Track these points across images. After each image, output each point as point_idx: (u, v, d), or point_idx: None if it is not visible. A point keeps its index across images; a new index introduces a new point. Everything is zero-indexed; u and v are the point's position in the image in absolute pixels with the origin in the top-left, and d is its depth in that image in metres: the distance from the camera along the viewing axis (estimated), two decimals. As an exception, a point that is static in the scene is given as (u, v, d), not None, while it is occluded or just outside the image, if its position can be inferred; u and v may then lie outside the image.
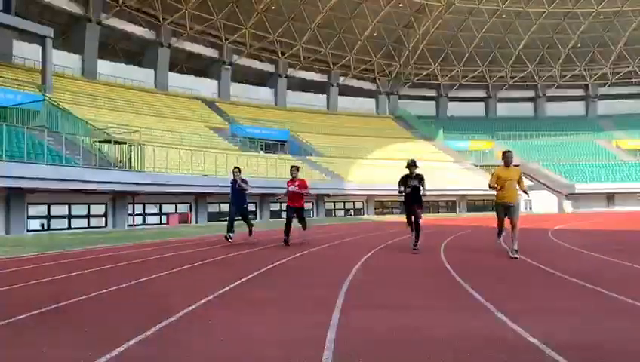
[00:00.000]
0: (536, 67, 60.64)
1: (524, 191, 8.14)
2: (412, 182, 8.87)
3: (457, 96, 61.94)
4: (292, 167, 10.90)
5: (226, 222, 11.15)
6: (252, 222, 11.88)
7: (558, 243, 10.73)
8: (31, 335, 3.35)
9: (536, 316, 3.74)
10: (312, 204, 35.33)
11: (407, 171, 9.04)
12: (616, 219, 24.57)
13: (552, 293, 4.69)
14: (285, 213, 10.64)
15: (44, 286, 5.46)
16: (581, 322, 3.56)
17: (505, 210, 7.94)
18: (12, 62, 32.82)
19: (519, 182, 7.94)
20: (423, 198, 8.95)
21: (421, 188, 8.85)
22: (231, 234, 10.79)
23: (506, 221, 7.98)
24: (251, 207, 30.79)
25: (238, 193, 10.90)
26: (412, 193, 8.88)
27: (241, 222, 11.44)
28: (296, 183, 10.35)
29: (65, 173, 18.95)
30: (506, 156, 8.08)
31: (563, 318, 3.68)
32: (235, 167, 11.29)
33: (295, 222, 10.65)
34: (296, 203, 10.44)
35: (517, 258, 7.42)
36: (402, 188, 8.96)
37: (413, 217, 9.00)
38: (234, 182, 10.98)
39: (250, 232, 11.42)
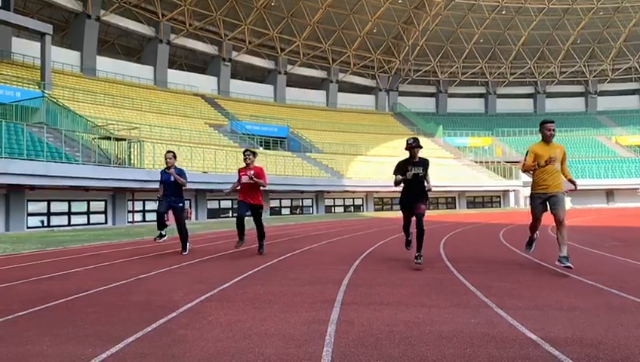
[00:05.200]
0: (536, 63, 60.59)
1: (571, 181, 6.06)
2: (415, 169, 6.30)
3: (457, 93, 61.94)
4: (246, 150, 7.96)
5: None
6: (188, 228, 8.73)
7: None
8: (32, 332, 3.35)
9: (536, 312, 3.75)
10: (312, 200, 35.37)
11: (406, 155, 6.51)
12: (615, 215, 24.59)
13: (552, 290, 4.70)
14: (237, 210, 7.89)
15: (44, 283, 5.47)
16: (581, 318, 3.57)
17: (544, 202, 5.84)
18: (11, 58, 32.78)
19: (563, 165, 5.90)
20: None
21: (426, 179, 6.49)
22: (162, 233, 8.27)
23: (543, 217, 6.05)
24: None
25: (172, 186, 8.16)
26: (414, 185, 6.35)
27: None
28: (251, 173, 7.70)
29: (64, 170, 18.97)
30: (547, 128, 5.78)
31: (563, 315, 3.68)
32: (169, 151, 8.35)
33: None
34: (251, 198, 7.83)
35: (571, 267, 5.48)
36: (400, 178, 6.39)
37: (415, 218, 6.44)
38: (167, 171, 8.20)
39: (185, 248, 8.45)
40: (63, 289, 4.96)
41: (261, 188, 7.94)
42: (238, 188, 7.93)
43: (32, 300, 4.42)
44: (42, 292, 4.89)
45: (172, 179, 8.10)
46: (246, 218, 7.83)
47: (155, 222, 8.32)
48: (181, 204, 8.32)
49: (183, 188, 8.28)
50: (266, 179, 7.99)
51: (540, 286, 4.87)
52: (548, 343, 2.95)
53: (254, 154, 7.95)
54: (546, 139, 5.84)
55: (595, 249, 8.42)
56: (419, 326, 3.39)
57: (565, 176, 5.96)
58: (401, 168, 6.42)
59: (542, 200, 5.84)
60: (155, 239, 8.29)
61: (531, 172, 5.89)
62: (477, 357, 2.73)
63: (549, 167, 5.70)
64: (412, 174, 6.22)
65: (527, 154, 5.97)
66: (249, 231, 7.95)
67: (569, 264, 5.44)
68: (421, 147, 6.36)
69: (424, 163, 6.41)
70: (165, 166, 8.26)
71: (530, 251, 6.55)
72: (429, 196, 6.67)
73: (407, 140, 6.43)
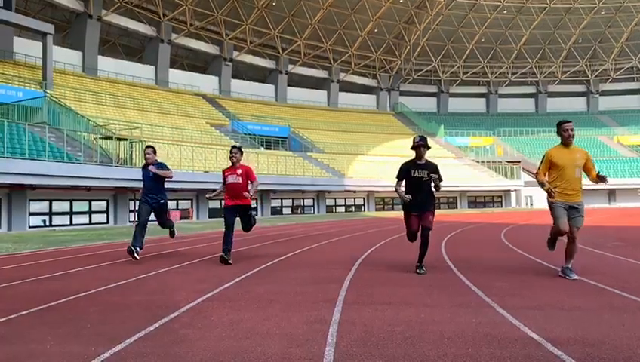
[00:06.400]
0: (538, 63, 60.55)
1: (600, 178, 5.23)
2: (418, 172, 5.67)
3: (458, 92, 61.92)
4: (233, 147, 7.16)
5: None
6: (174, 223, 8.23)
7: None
8: (35, 331, 3.36)
9: (537, 312, 3.75)
10: (313, 200, 35.35)
11: (412, 157, 5.82)
12: (617, 215, 24.55)
13: (554, 290, 4.69)
14: (223, 216, 7.13)
15: (46, 283, 5.48)
16: (583, 318, 3.56)
17: (565, 207, 5.22)
18: (13, 58, 32.84)
19: (588, 169, 5.24)
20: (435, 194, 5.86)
21: (433, 183, 5.68)
22: (137, 249, 7.24)
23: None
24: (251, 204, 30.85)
25: (152, 182, 7.50)
26: (420, 188, 5.67)
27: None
28: (239, 172, 7.03)
29: (66, 170, 19.00)
30: (565, 129, 5.18)
31: (565, 314, 3.68)
32: (148, 146, 7.71)
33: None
34: (239, 200, 7.06)
35: (575, 279, 5.17)
36: (402, 189, 5.79)
37: (420, 228, 5.74)
38: (146, 168, 7.57)
39: (172, 233, 8.16)
40: (65, 289, 4.97)
41: (253, 191, 7.12)
42: (222, 191, 7.20)
43: (34, 300, 4.42)
44: (44, 291, 4.90)
45: (151, 175, 7.44)
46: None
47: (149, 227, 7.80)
48: (163, 201, 7.61)
49: (168, 179, 7.60)
50: (256, 177, 7.27)
51: (542, 286, 4.86)
52: (550, 343, 2.95)
53: (241, 151, 7.18)
54: (565, 142, 5.23)
55: (597, 249, 8.41)
56: (421, 325, 3.39)
57: (594, 179, 5.28)
58: (403, 172, 5.78)
59: (562, 206, 5.21)
60: (128, 252, 7.19)
61: (544, 184, 5.28)
62: (479, 357, 2.73)
63: (569, 174, 5.14)
64: (408, 199, 5.63)
65: (542, 160, 5.34)
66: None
67: (575, 276, 5.19)
68: (429, 147, 5.77)
69: (430, 167, 5.69)
70: (145, 163, 7.64)
71: (554, 250, 5.77)
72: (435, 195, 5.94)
73: (413, 138, 5.78)
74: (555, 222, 5.27)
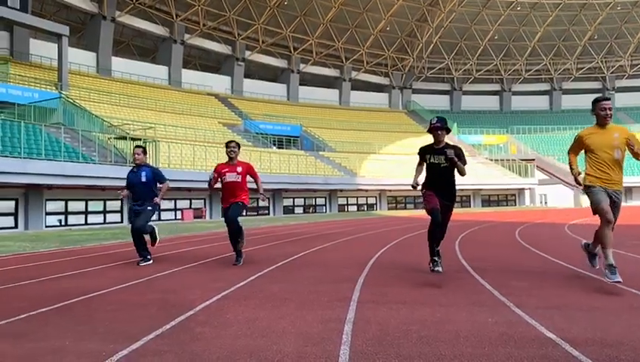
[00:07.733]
0: (552, 60, 59.81)
1: (629, 145, 4.46)
2: (435, 158, 5.13)
3: (471, 90, 61.42)
4: (231, 142, 6.66)
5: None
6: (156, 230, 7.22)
7: (575, 238, 10.59)
8: (53, 329, 3.41)
9: (554, 312, 3.70)
10: (325, 199, 35.34)
11: (429, 142, 5.30)
12: (634, 214, 24.15)
13: (571, 289, 4.64)
14: (224, 217, 6.72)
15: (63, 281, 5.56)
16: (601, 319, 3.52)
17: (606, 193, 4.56)
18: (29, 60, 33.32)
19: (632, 148, 4.45)
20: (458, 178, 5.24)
21: (456, 167, 5.08)
22: (148, 257, 6.95)
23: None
24: (263, 202, 30.93)
25: (143, 187, 6.87)
26: (439, 178, 5.16)
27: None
28: (239, 170, 6.50)
29: (81, 170, 19.26)
30: (601, 107, 4.55)
31: (582, 314, 3.63)
32: (137, 146, 7.08)
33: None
34: (235, 197, 6.57)
35: (620, 281, 4.31)
36: (416, 180, 5.33)
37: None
38: (135, 171, 6.94)
39: (154, 239, 7.19)
40: (81, 287, 5.03)
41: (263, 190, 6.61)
42: (217, 186, 6.65)
43: (51, 298, 4.49)
44: (62, 289, 4.97)
45: (144, 180, 6.79)
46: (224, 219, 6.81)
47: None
48: (151, 208, 6.93)
49: (164, 187, 7.01)
50: (258, 175, 6.81)
51: (559, 286, 4.81)
52: (567, 343, 2.92)
53: (239, 146, 6.66)
54: (601, 122, 4.60)
55: (615, 248, 8.27)
56: (436, 325, 3.38)
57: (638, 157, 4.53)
58: (420, 154, 5.32)
59: (601, 189, 4.54)
60: (138, 264, 6.78)
61: (574, 169, 4.80)
62: (495, 357, 2.71)
63: (605, 156, 4.51)
64: (417, 187, 5.25)
65: (574, 142, 4.81)
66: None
67: (618, 279, 4.31)
68: (448, 130, 5.12)
69: (449, 151, 4.99)
70: (134, 165, 7.04)
71: (596, 262, 5.01)
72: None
73: (430, 120, 5.18)
74: (597, 210, 4.52)
